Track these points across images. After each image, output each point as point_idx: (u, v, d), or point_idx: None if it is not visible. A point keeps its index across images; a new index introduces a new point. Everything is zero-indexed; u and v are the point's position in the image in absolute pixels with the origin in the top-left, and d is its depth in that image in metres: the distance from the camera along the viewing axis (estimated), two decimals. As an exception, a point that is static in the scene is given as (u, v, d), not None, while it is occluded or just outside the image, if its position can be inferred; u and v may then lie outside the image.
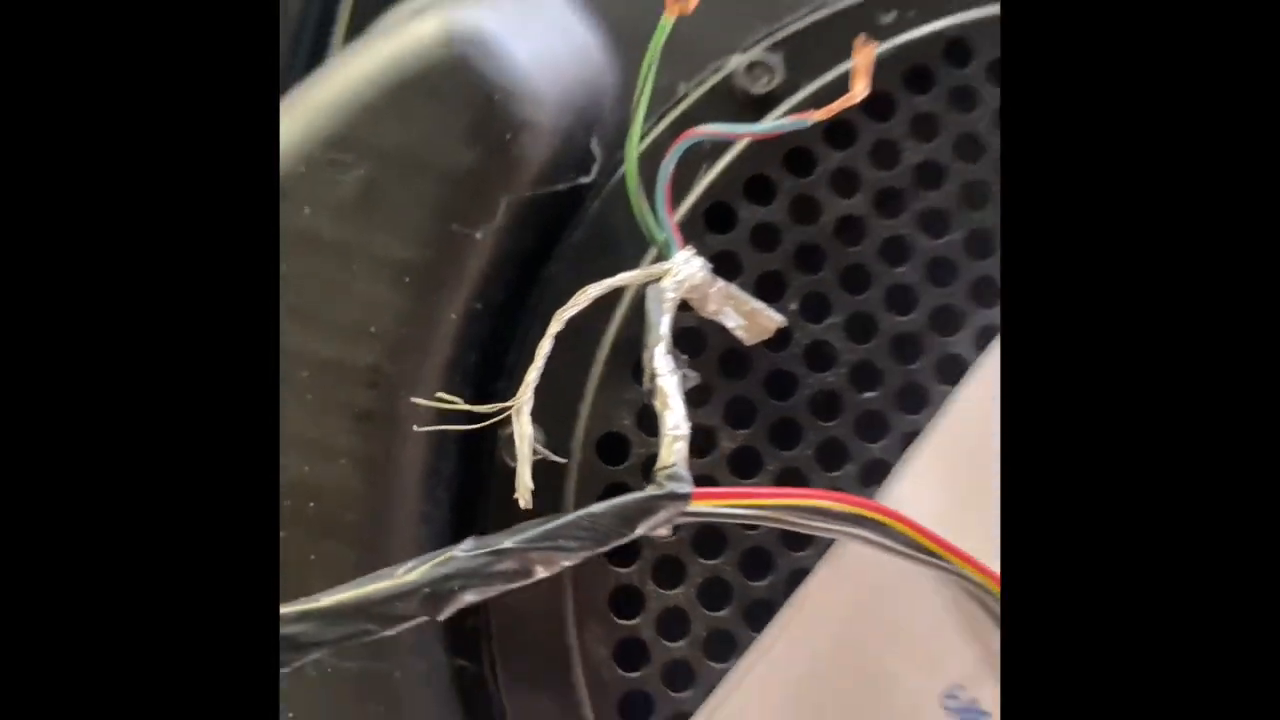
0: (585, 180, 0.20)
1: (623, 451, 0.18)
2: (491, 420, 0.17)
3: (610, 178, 0.20)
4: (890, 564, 0.16)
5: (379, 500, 0.19)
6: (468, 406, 0.17)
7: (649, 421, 0.18)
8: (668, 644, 0.18)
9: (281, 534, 0.18)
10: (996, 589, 0.16)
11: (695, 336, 0.19)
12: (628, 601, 0.18)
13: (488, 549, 0.15)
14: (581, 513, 0.15)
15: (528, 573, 0.15)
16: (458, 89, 0.18)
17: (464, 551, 0.15)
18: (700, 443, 0.18)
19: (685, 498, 0.15)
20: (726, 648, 0.18)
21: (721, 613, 0.18)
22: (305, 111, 0.19)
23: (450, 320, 0.19)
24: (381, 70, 0.19)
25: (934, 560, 0.16)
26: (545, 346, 0.17)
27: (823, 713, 0.17)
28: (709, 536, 0.18)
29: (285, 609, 0.14)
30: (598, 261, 0.19)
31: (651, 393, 0.16)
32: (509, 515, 0.18)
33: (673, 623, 0.18)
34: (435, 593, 0.15)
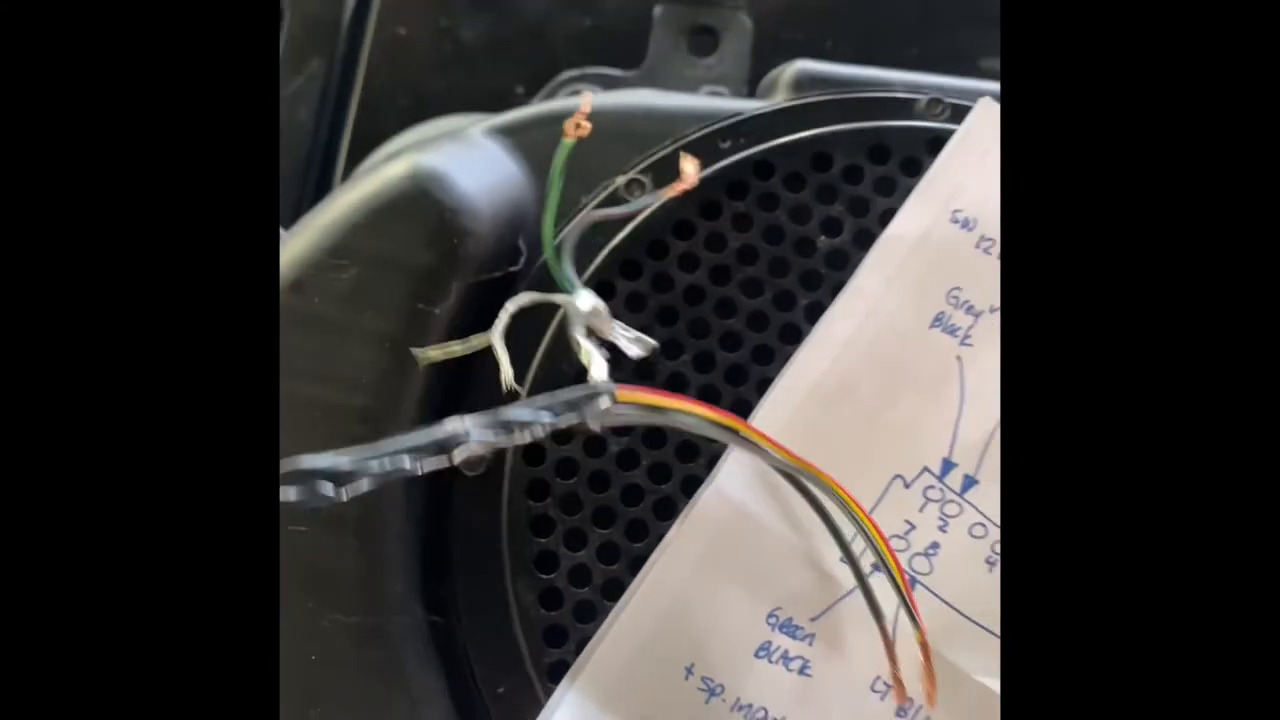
0: (514, 269, 0.28)
1: (541, 456, 0.26)
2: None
3: (533, 266, 0.28)
4: (735, 520, 0.24)
5: (372, 502, 0.26)
6: (460, 347, 0.25)
7: (561, 437, 0.26)
8: (576, 590, 0.25)
9: (301, 529, 0.26)
10: (831, 484, 0.23)
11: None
12: (547, 561, 0.25)
13: (489, 417, 0.21)
14: (543, 399, 0.21)
15: (510, 434, 0.21)
16: (419, 210, 0.26)
17: (472, 420, 0.21)
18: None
19: (612, 391, 0.22)
20: (618, 590, 0.25)
21: (613, 567, 0.25)
22: (313, 231, 0.27)
23: (419, 373, 0.26)
24: (365, 199, 0.27)
25: (782, 463, 0.23)
26: (504, 318, 0.24)
27: (678, 634, 0.24)
28: (603, 513, 0.25)
29: (348, 451, 0.20)
30: (525, 324, 0.27)
31: (578, 353, 0.24)
32: (467, 515, 0.26)
33: (579, 575, 0.25)
34: (449, 442, 0.20)
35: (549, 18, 0.48)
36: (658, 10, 0.43)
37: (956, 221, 0.25)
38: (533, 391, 0.26)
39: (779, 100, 0.29)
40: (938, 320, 0.25)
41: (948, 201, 0.25)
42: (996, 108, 0.26)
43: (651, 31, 0.43)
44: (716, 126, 0.28)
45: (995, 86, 0.29)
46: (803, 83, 0.30)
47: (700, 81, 0.42)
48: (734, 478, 0.24)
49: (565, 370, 0.26)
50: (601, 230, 0.27)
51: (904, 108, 0.28)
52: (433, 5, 0.49)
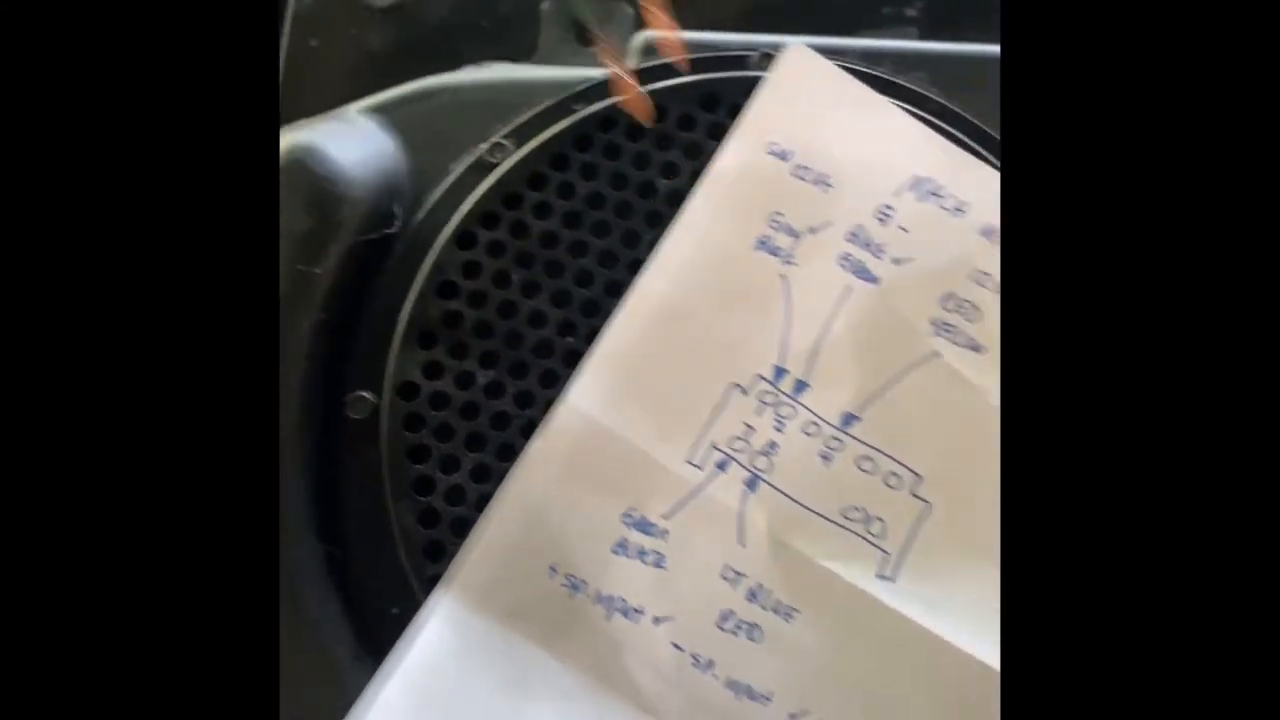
0: (390, 231, 0.30)
1: (415, 392, 0.28)
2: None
3: (407, 226, 0.30)
4: (587, 431, 0.26)
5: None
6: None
7: (431, 372, 0.28)
8: (453, 508, 0.27)
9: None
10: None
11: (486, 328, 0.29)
12: (425, 485, 0.28)
13: None
14: None
15: None
16: (295, 180, 0.29)
17: None
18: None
19: None
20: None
21: (486, 485, 0.27)
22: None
23: (305, 326, 0.29)
24: (250, 174, 0.30)
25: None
26: None
27: (541, 538, 0.26)
28: (475, 438, 0.28)
29: None
30: (400, 280, 0.29)
31: None
32: (352, 452, 0.28)
33: (455, 494, 0.28)
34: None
35: (450, 21, 0.51)
36: (545, 5, 0.46)
37: (773, 153, 0.28)
38: (400, 354, 0.28)
39: (629, 66, 0.32)
40: (762, 243, 0.28)
41: (764, 136, 0.28)
42: (805, 50, 0.29)
43: (540, 25, 0.46)
44: (570, 93, 0.31)
45: (829, 41, 0.32)
46: (651, 49, 0.33)
47: (588, 67, 0.45)
48: (584, 393, 0.27)
49: (433, 314, 0.29)
50: (464, 185, 0.30)
51: (738, 63, 0.31)
52: (342, 17, 0.53)
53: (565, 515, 0.26)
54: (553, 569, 0.26)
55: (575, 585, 0.26)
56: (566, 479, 0.27)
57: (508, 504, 0.26)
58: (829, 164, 0.28)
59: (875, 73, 0.31)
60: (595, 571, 0.26)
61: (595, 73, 0.32)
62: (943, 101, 0.30)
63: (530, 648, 0.26)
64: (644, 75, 0.31)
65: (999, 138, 0.30)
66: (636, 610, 0.26)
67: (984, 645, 0.26)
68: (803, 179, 0.28)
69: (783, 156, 0.28)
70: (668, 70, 0.30)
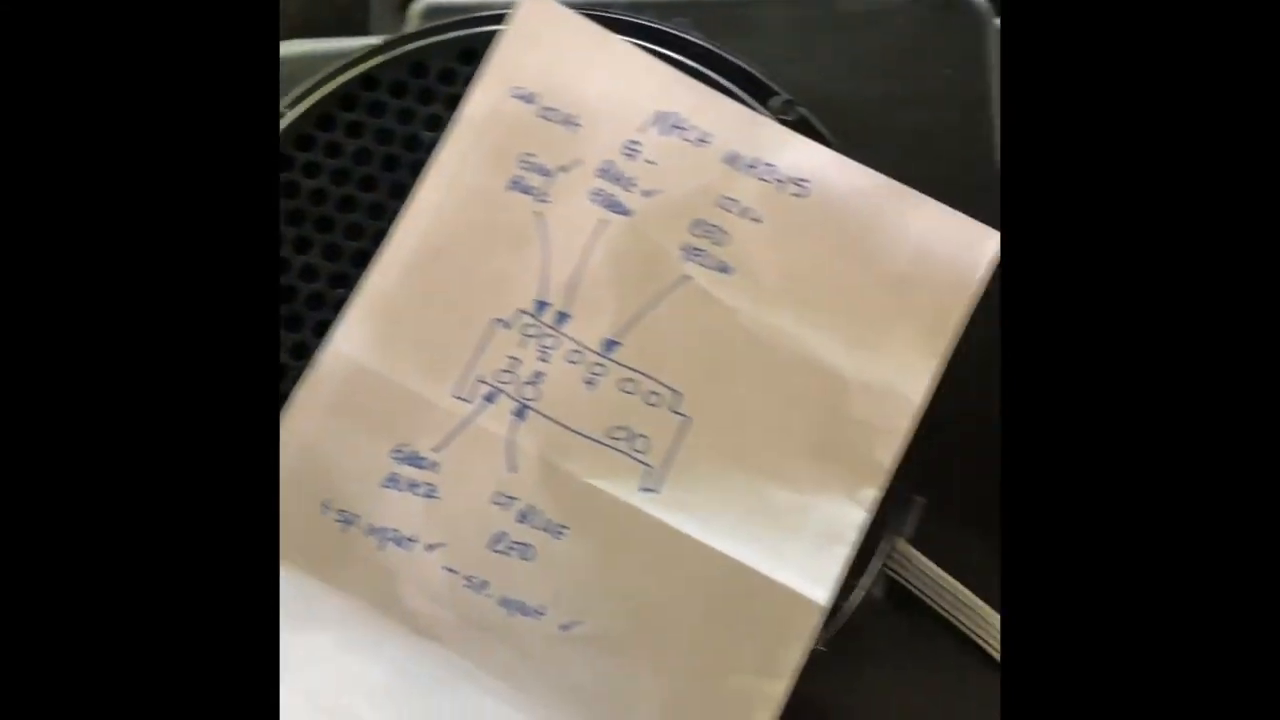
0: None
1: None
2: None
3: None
4: (352, 373, 0.27)
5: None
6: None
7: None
8: (233, 458, 0.29)
9: None
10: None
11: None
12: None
13: None
14: None
15: None
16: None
17: None
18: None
19: None
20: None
21: (265, 434, 0.29)
22: None
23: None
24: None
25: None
26: None
27: (312, 476, 0.27)
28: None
29: None
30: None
31: None
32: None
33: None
34: None
35: (295, 15, 0.52)
36: (374, -12, 0.47)
37: (518, 97, 0.29)
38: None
39: (406, 31, 0.33)
40: (515, 183, 0.29)
41: (508, 82, 0.29)
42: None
43: (370, 7, 0.48)
44: (347, 60, 0.32)
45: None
46: (430, 14, 0.34)
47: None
48: (347, 337, 0.28)
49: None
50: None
51: (500, 20, 0.32)
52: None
53: (334, 455, 0.28)
54: (325, 505, 0.27)
55: (348, 520, 0.27)
56: (334, 420, 0.28)
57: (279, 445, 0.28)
58: (574, 105, 0.29)
59: (634, 19, 0.32)
60: (367, 506, 0.27)
61: (373, 40, 0.33)
62: (704, 44, 0.32)
63: (308, 581, 0.27)
64: (417, 36, 0.32)
65: (767, 80, 0.31)
66: (410, 540, 0.27)
67: (741, 546, 0.27)
68: (549, 120, 0.29)
69: (528, 100, 0.29)
70: (440, 31, 0.32)
